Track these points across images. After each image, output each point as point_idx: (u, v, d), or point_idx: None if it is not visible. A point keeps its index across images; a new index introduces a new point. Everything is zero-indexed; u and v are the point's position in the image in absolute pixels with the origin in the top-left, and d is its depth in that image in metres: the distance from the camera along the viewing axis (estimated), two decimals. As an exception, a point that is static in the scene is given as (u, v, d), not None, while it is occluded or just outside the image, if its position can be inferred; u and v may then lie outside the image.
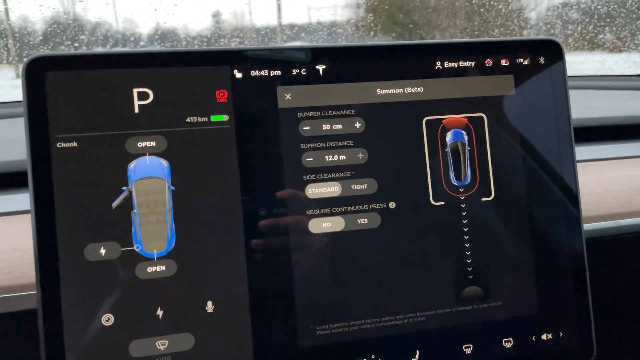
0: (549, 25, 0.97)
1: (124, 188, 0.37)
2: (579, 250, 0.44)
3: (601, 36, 0.93)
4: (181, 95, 0.38)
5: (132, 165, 0.37)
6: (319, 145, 0.40)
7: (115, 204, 0.37)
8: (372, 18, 0.85)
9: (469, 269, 0.42)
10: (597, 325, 0.44)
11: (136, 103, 0.37)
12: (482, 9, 0.89)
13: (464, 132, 0.42)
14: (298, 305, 0.39)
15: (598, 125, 0.72)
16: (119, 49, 0.37)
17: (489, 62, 0.43)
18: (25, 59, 0.36)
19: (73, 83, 0.36)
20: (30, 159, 0.36)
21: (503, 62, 0.43)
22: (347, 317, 0.40)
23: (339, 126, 0.41)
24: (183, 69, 0.38)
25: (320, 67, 0.41)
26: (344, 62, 0.41)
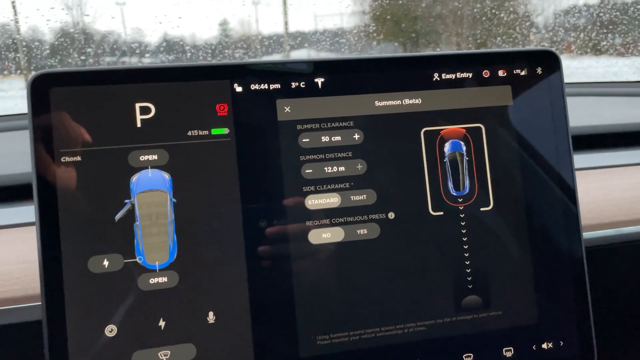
0: (551, 33, 0.98)
1: (126, 201, 0.38)
2: (578, 258, 0.44)
3: (604, 43, 0.94)
4: (182, 109, 0.39)
5: (134, 178, 0.38)
6: (318, 156, 0.41)
7: (118, 216, 0.37)
8: (374, 28, 0.85)
9: (469, 279, 0.42)
10: (599, 333, 0.44)
11: (138, 117, 0.38)
12: (484, 18, 0.90)
13: (462, 143, 0.43)
14: (298, 315, 0.39)
15: (600, 133, 0.72)
16: (121, 65, 0.38)
17: (486, 73, 0.44)
18: (30, 75, 0.37)
19: (77, 98, 0.37)
20: (35, 172, 0.37)
21: (500, 73, 0.44)
22: (347, 327, 0.40)
23: (338, 138, 0.41)
24: (184, 84, 0.39)
25: (319, 80, 0.41)
26: (342, 74, 0.42)
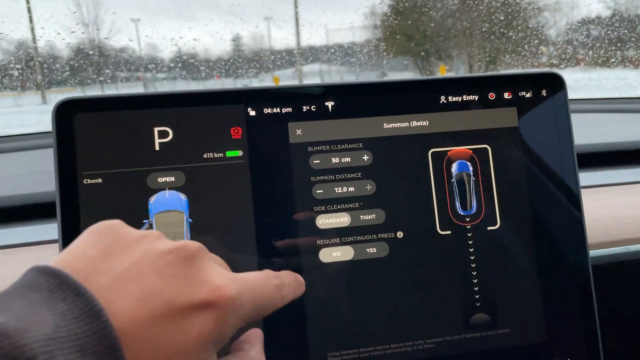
0: (560, 50, 0.99)
1: (145, 221, 0.39)
2: (585, 276, 0.44)
3: (613, 60, 0.94)
4: (199, 132, 0.40)
5: (152, 199, 0.39)
6: (328, 177, 0.42)
7: (136, 236, 0.39)
8: (384, 47, 0.87)
9: (477, 297, 0.43)
10: (606, 350, 0.44)
11: (157, 141, 0.40)
12: (492, 37, 0.91)
13: (469, 163, 0.44)
14: (310, 331, 0.41)
15: (607, 151, 0.73)
16: (140, 92, 0.40)
17: (492, 96, 0.45)
18: (55, 102, 0.39)
19: (99, 123, 0.39)
20: (59, 194, 0.38)
21: (506, 95, 0.45)
22: (357, 344, 0.41)
23: (348, 159, 0.43)
24: (200, 109, 0.41)
25: (329, 104, 0.43)
26: (351, 98, 0.43)
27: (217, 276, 0.24)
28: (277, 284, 0.29)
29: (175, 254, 0.24)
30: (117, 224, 0.25)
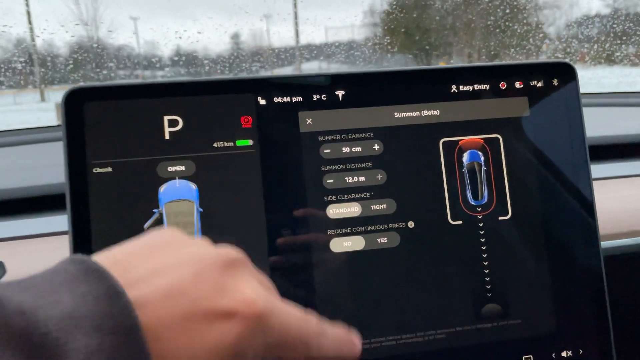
0: (565, 44, 0.98)
1: (155, 210, 0.39)
2: (597, 267, 0.44)
3: (618, 54, 0.94)
4: (209, 121, 0.40)
5: (162, 188, 0.39)
6: (339, 167, 0.42)
7: (147, 225, 0.39)
8: (389, 41, 0.87)
9: (488, 287, 0.43)
10: (618, 341, 0.44)
11: (167, 130, 0.40)
12: (497, 30, 0.91)
13: (480, 153, 0.44)
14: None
15: (617, 143, 0.73)
16: (150, 80, 0.39)
17: (503, 85, 0.45)
18: (65, 91, 0.38)
19: (109, 112, 0.39)
20: (68, 183, 0.38)
21: (517, 84, 0.45)
22: (368, 334, 0.41)
23: (358, 149, 0.42)
24: (211, 97, 0.40)
25: (340, 93, 0.42)
26: (362, 87, 0.43)
27: (250, 288, 0.23)
28: (316, 331, 0.26)
29: (215, 258, 0.23)
30: (177, 231, 0.25)
